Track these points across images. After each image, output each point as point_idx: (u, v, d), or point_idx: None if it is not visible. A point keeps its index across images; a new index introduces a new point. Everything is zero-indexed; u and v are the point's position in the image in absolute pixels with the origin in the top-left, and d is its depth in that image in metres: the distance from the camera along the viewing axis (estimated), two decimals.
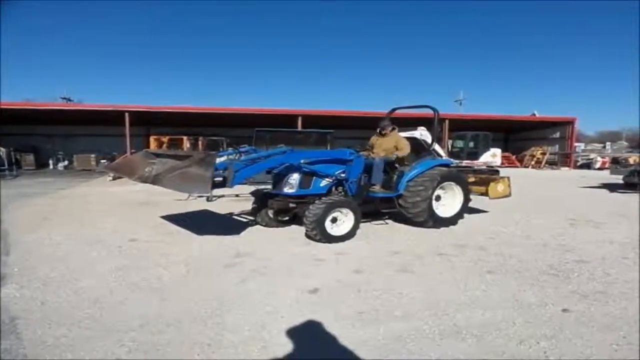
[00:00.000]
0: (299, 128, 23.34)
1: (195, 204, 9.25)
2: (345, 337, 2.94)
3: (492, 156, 23.27)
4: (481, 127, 26.86)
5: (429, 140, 8.25)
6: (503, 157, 26.51)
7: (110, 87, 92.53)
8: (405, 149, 6.92)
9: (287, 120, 24.73)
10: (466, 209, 7.17)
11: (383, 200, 6.70)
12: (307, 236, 5.82)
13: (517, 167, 28.69)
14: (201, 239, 5.94)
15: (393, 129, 7.17)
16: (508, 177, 8.12)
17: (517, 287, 4.01)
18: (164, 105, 25.43)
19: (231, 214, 8.01)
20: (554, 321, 3.23)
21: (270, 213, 6.61)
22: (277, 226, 6.64)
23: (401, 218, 6.90)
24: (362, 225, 6.45)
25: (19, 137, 26.29)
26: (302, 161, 6.04)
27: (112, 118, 23.76)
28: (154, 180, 5.48)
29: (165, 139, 23.62)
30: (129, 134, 22.36)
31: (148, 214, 7.89)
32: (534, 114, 31.82)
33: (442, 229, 6.64)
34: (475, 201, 7.99)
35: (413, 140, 8.42)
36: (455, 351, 2.76)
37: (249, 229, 6.60)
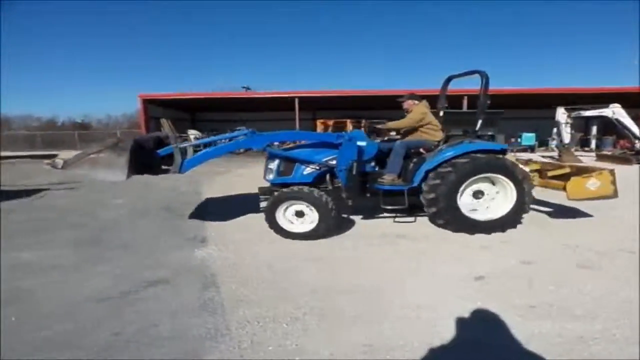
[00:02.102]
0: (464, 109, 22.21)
1: None
2: (516, 329, 2.78)
3: None
4: None
5: (625, 120, 6.78)
6: None
7: (280, 77, 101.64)
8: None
9: (449, 99, 23.66)
10: (522, 210, 5.37)
11: (387, 194, 5.39)
12: None
13: None
14: (356, 219, 6.05)
15: (416, 101, 6.11)
16: (611, 171, 5.49)
17: None
18: (329, 89, 26.86)
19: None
20: None
21: None
22: None
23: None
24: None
25: (211, 122, 31.25)
26: (268, 145, 5.38)
27: (284, 104, 26.28)
28: (64, 167, 4.85)
29: (330, 122, 25.08)
30: (298, 118, 24.46)
31: None
32: None
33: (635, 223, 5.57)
34: None
35: (601, 119, 7.14)
36: None
37: None
